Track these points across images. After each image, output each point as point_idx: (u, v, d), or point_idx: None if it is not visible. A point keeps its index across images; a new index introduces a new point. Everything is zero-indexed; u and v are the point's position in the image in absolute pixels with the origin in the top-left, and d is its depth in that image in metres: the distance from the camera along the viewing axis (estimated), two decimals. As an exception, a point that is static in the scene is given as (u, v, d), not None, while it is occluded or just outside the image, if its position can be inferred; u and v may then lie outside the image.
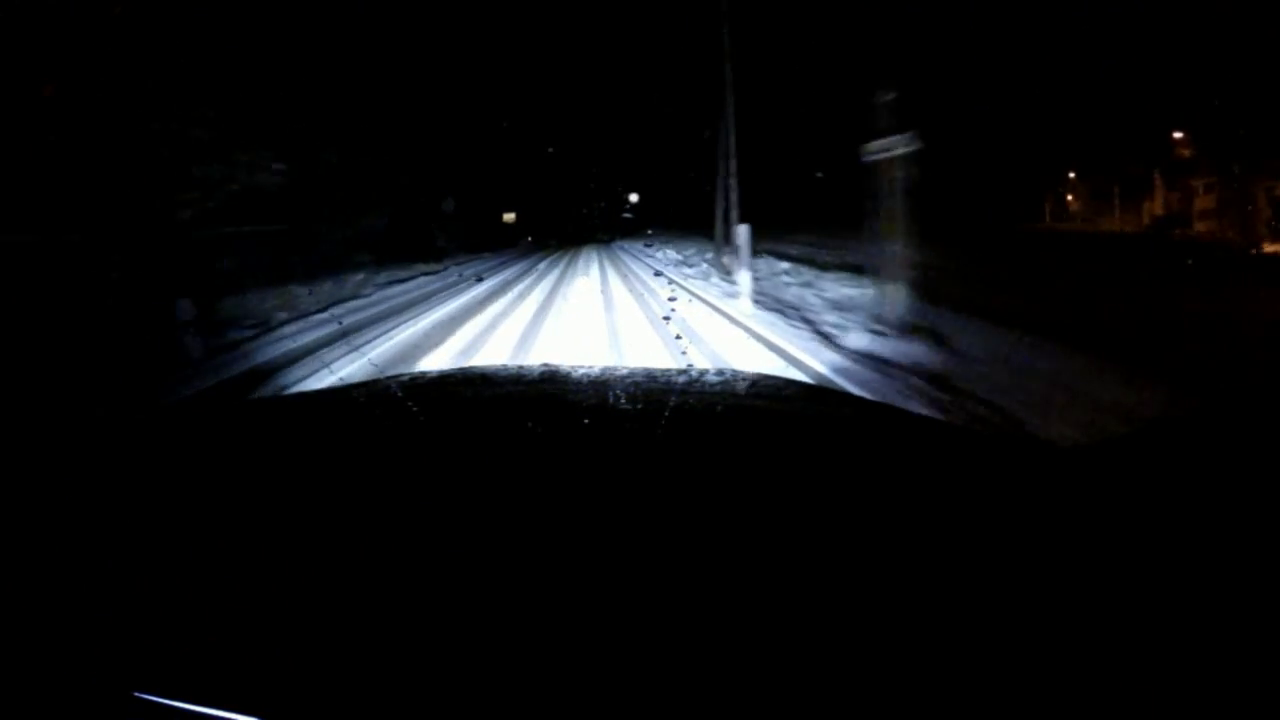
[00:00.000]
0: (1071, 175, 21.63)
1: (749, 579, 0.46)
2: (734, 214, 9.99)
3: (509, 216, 28.45)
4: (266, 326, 6.88)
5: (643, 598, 0.43)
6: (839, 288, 7.40)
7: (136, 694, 0.35)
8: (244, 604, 0.43)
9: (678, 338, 5.16)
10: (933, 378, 3.70)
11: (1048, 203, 22.34)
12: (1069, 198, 22.41)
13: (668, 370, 1.22)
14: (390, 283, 11.59)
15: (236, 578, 0.46)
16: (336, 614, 0.42)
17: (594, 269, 14.06)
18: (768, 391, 1.08)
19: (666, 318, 6.36)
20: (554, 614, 0.42)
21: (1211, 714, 0.35)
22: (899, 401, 3.18)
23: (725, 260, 10.20)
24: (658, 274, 11.18)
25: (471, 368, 2.03)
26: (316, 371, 4.63)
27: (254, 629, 0.41)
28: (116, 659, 0.38)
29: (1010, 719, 0.35)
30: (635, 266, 13.79)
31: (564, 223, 32.15)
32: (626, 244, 24.18)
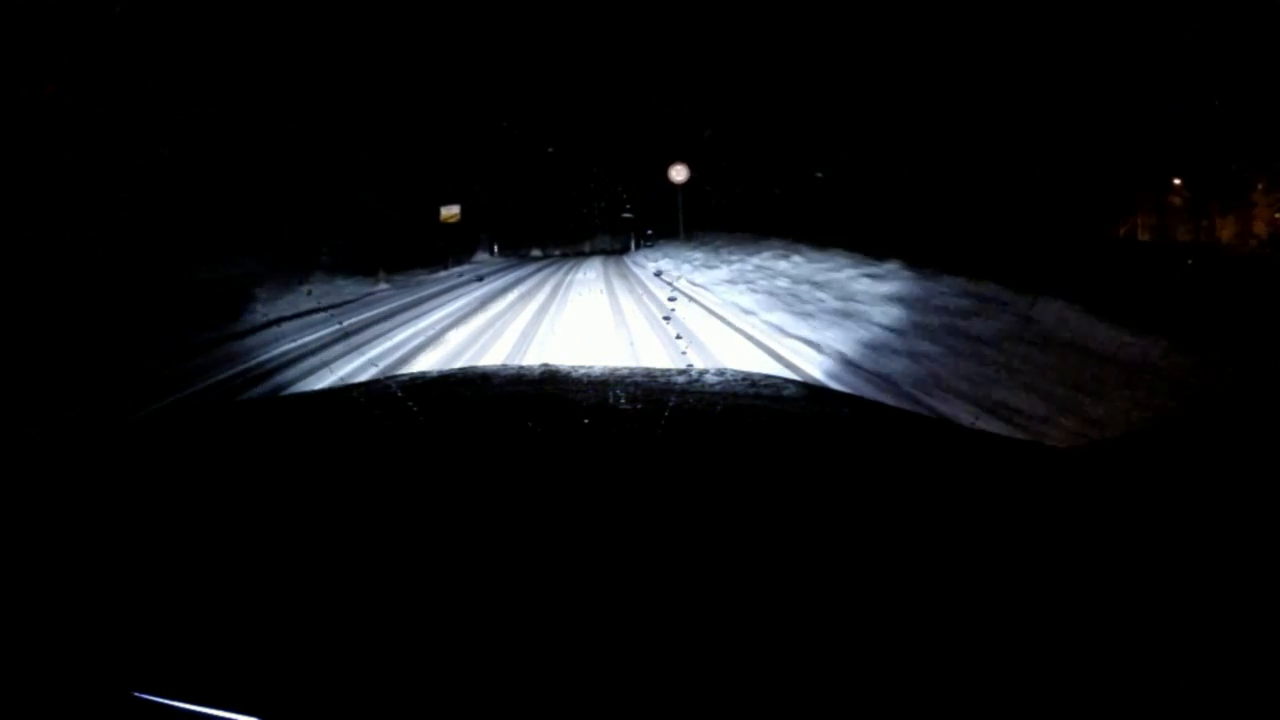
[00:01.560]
0: (1177, 181, 18.03)
1: (749, 579, 0.46)
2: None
3: (449, 212, 17.88)
4: None
5: (643, 598, 0.43)
6: None
7: (136, 694, 0.35)
8: (243, 604, 0.43)
9: (677, 337, 5.15)
10: None
11: (1139, 214, 18.74)
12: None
13: (668, 370, 1.22)
14: None
15: (236, 578, 0.46)
16: (336, 614, 0.42)
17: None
18: (767, 391, 1.08)
19: (666, 317, 6.16)
20: (554, 614, 0.42)
21: (1212, 714, 0.35)
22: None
23: None
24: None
25: (471, 368, 2.03)
26: (316, 371, 4.61)
27: (254, 629, 0.41)
28: (116, 659, 0.38)
29: (1011, 719, 0.35)
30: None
31: (563, 222, 24.30)
32: (679, 268, 11.22)
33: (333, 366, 4.68)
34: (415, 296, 9.47)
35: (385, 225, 14.01)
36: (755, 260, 9.37)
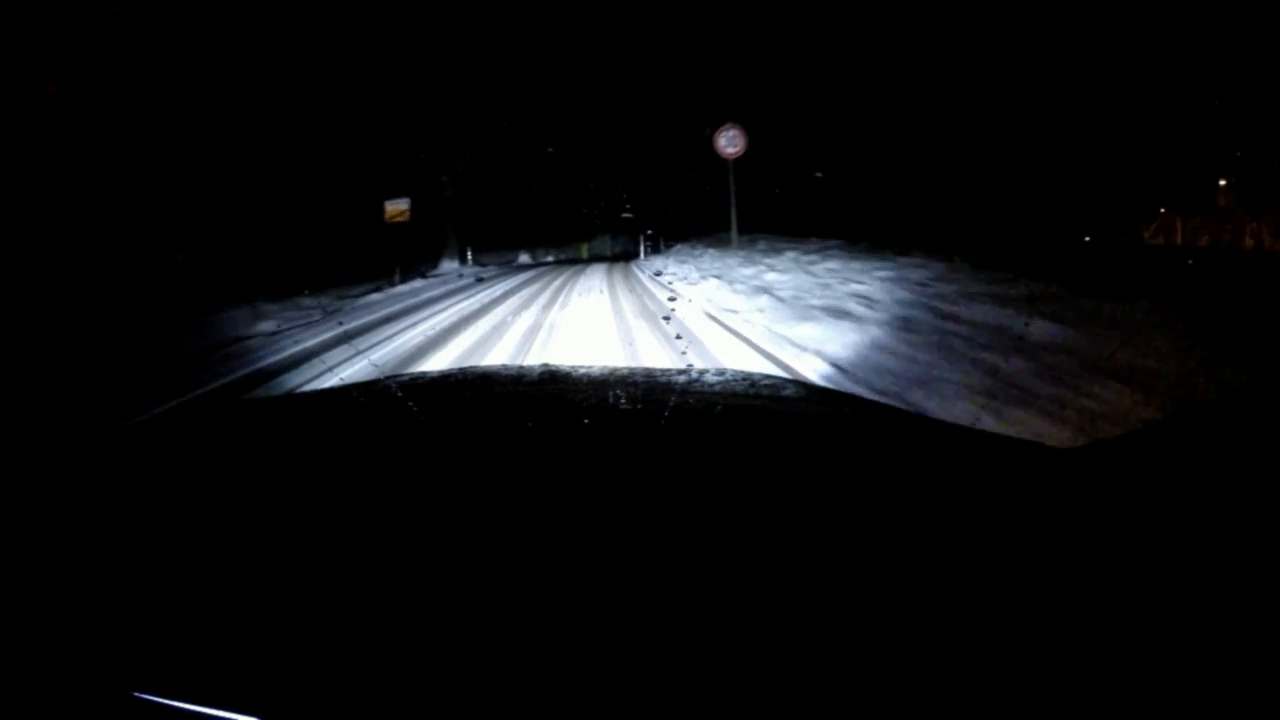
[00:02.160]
0: (1222, 182, 16.66)
1: (749, 579, 0.46)
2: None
3: (396, 209, 12.33)
4: None
5: (642, 597, 0.43)
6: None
7: (136, 694, 0.35)
8: (244, 604, 0.43)
9: (677, 337, 5.15)
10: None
11: (1177, 217, 17.00)
12: (1161, 210, 17.46)
13: (668, 370, 1.22)
14: None
15: (236, 578, 0.46)
16: (336, 614, 0.42)
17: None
18: (767, 391, 1.08)
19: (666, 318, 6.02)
20: (554, 613, 0.42)
21: (1212, 714, 0.35)
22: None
23: None
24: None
25: (471, 368, 2.03)
26: (319, 373, 4.56)
27: (254, 629, 0.41)
28: (116, 659, 0.38)
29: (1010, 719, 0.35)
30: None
31: (556, 221, 20.76)
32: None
33: (334, 369, 4.56)
34: (306, 347, 5.51)
35: (298, 225, 9.31)
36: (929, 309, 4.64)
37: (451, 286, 10.77)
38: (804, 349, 4.02)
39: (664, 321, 5.21)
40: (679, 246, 13.61)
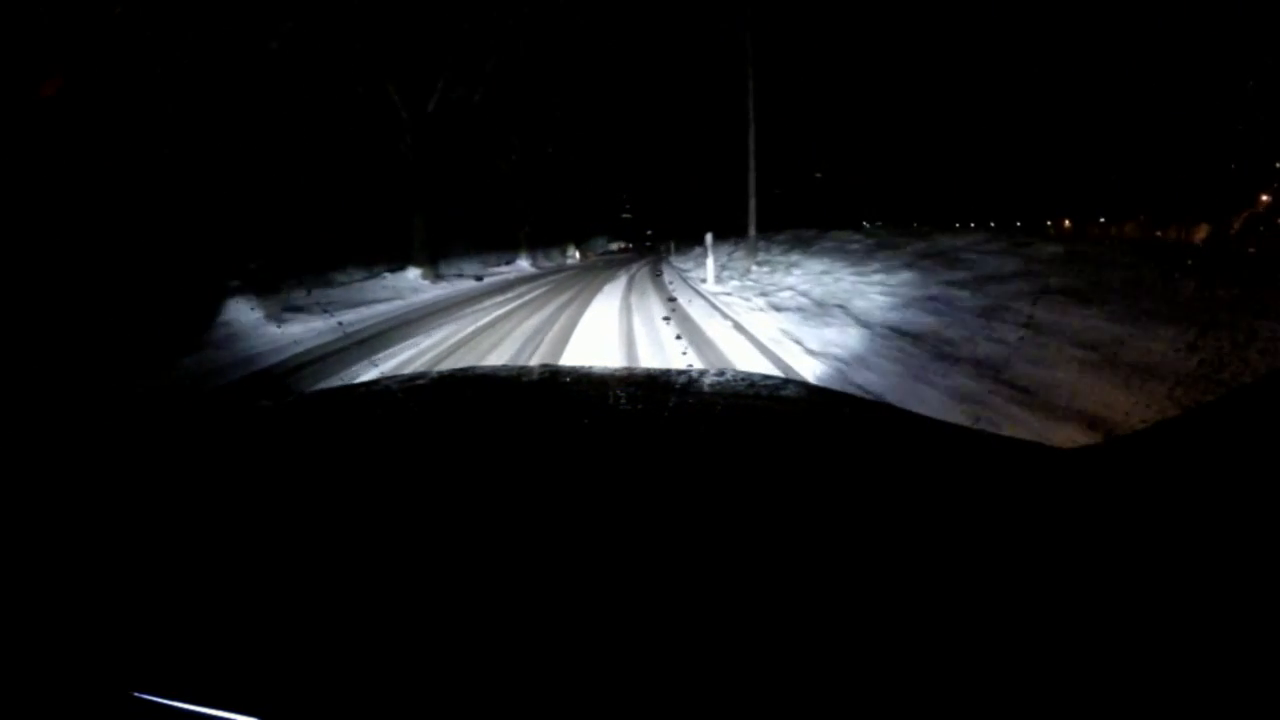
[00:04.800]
0: None
1: (749, 579, 0.46)
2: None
3: None
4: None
5: (642, 597, 0.43)
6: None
7: (136, 694, 0.35)
8: (244, 604, 0.43)
9: (677, 337, 5.14)
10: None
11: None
12: (1265, 197, 16.24)
13: (668, 370, 1.22)
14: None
15: (236, 578, 0.46)
16: (337, 614, 0.42)
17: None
18: (767, 392, 1.08)
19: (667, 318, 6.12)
20: (554, 613, 0.42)
21: (1214, 714, 0.35)
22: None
23: None
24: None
25: (472, 368, 2.03)
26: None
27: (254, 629, 0.41)
28: (116, 659, 0.38)
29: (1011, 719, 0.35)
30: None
31: (558, 224, 19.75)
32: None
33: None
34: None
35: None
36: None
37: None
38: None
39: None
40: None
